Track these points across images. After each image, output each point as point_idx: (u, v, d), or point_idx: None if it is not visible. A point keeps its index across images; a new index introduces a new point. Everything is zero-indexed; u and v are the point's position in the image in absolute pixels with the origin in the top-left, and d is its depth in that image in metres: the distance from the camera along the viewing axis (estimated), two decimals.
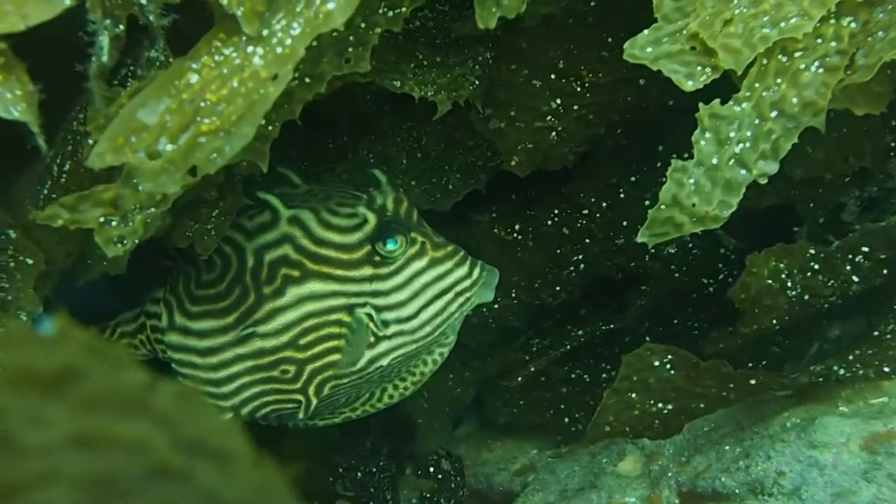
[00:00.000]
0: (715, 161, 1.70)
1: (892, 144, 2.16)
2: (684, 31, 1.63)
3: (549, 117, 2.14)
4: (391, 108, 2.27)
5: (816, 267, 2.19)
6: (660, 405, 2.23)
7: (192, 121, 1.38)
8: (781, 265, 2.17)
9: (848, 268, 2.17)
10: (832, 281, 2.20)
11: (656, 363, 2.14)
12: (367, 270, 1.98)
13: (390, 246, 1.95)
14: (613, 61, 2.08)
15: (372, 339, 2.01)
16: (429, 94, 1.90)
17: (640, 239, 1.77)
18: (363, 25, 1.61)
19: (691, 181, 1.70)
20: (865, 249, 2.16)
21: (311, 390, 2.05)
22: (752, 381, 2.15)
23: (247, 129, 1.38)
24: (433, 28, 1.98)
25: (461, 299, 2.02)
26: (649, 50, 1.67)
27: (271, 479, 0.69)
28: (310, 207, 2.02)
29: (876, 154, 2.16)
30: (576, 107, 2.14)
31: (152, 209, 1.51)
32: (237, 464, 0.68)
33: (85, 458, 0.61)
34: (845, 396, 2.22)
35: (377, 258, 1.98)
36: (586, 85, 2.11)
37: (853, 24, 1.67)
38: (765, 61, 1.69)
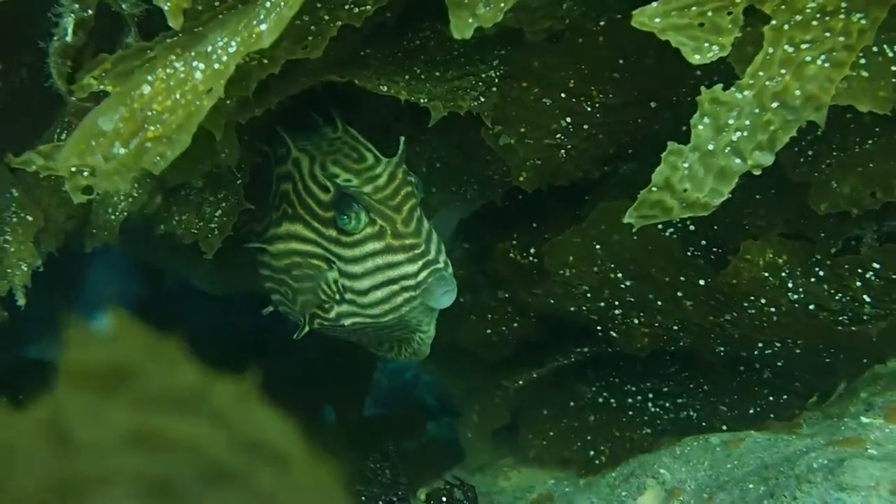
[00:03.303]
0: (711, 147, 1.67)
1: None
2: (693, 8, 1.64)
3: (558, 135, 2.14)
4: (410, 120, 2.29)
5: (821, 273, 2.13)
6: (619, 275, 2.22)
7: (140, 128, 1.51)
8: (780, 260, 2.12)
9: (858, 283, 2.09)
10: (840, 294, 2.12)
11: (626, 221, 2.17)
12: (332, 232, 2.03)
13: (342, 219, 1.98)
14: (624, 82, 2.08)
15: (338, 296, 2.05)
16: (421, 100, 1.93)
17: (626, 219, 1.74)
18: (326, 18, 1.69)
19: (685, 165, 1.68)
20: (876, 266, 2.08)
21: (306, 318, 2.13)
22: (701, 282, 2.16)
23: (185, 137, 1.51)
24: (434, 47, 2.03)
25: (406, 295, 1.98)
26: (657, 20, 1.65)
27: (328, 481, 0.67)
28: (311, 155, 2.10)
29: None
30: (585, 126, 2.13)
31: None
32: (294, 465, 0.66)
33: (142, 457, 0.60)
34: (874, 439, 2.15)
35: (338, 225, 2.01)
36: (597, 105, 2.11)
37: (863, 21, 1.63)
38: (771, 50, 1.66)
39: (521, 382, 2.59)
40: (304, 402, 3.14)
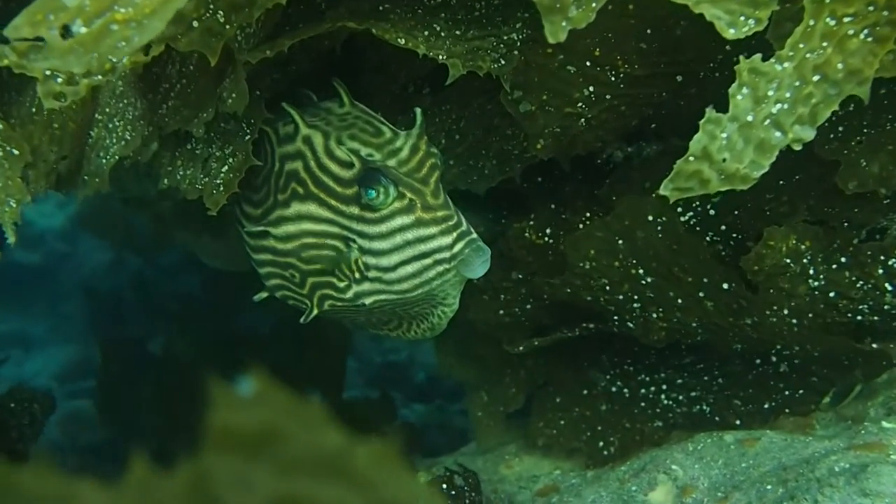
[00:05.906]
0: (750, 118, 1.59)
1: None
2: None
3: (580, 104, 2.04)
4: (430, 90, 2.22)
5: (843, 260, 2.03)
6: (640, 271, 2.14)
7: (108, 8, 1.39)
8: (803, 247, 2.02)
9: (880, 271, 1.99)
10: (861, 282, 2.02)
11: (650, 218, 2.08)
12: (354, 210, 1.94)
13: (370, 194, 1.90)
14: (651, 54, 1.98)
15: (358, 275, 1.98)
16: (440, 56, 1.84)
17: (662, 191, 1.65)
18: None
19: (724, 135, 1.59)
20: None
21: (315, 300, 2.07)
22: (725, 286, 2.09)
23: (157, 24, 1.39)
24: (456, 5, 1.94)
25: (439, 268, 1.92)
26: None
27: None
28: (324, 132, 1.99)
29: None
30: (608, 96, 2.03)
31: (99, 76, 1.50)
32: None
33: None
34: None
35: (363, 201, 1.92)
36: (621, 76, 2.01)
37: None
38: (812, 22, 1.57)
39: (521, 348, 2.51)
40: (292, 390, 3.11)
